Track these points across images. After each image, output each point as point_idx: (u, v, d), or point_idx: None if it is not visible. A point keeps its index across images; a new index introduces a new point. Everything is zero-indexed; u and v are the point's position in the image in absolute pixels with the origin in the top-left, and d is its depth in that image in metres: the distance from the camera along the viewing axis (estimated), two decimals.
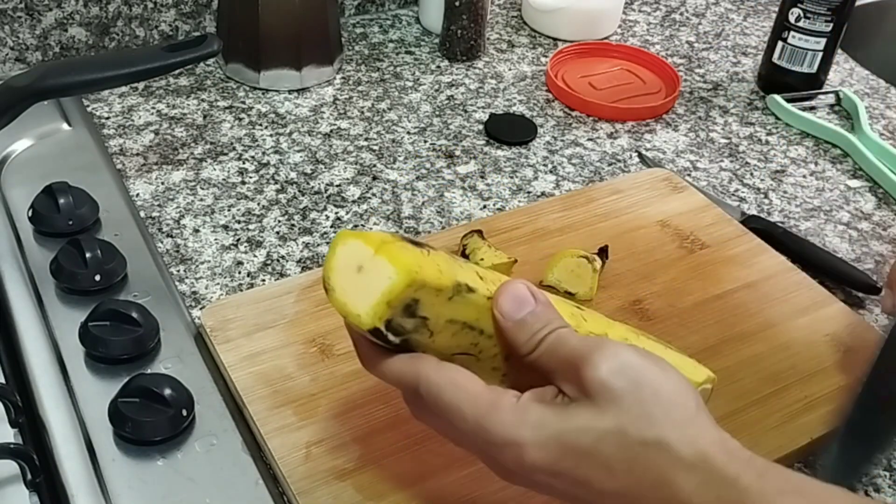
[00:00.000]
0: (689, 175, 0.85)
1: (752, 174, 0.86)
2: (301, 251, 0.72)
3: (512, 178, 0.82)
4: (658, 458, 0.40)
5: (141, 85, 0.89)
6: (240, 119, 0.86)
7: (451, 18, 0.96)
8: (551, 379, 0.44)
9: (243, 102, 0.88)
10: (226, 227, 0.73)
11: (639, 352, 0.43)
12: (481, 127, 0.88)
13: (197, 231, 0.73)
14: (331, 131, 0.86)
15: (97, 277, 0.63)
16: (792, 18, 0.93)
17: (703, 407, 0.42)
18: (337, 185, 0.79)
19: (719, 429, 0.42)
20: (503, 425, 0.42)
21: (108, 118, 0.84)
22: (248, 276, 0.69)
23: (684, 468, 0.40)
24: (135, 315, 0.59)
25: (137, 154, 0.80)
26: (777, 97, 0.95)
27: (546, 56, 1.01)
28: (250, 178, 0.79)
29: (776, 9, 0.97)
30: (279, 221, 0.74)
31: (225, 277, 0.69)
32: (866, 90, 1.01)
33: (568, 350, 0.43)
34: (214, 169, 0.79)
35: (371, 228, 0.74)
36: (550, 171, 0.83)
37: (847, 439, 0.55)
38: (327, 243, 0.73)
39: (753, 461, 0.41)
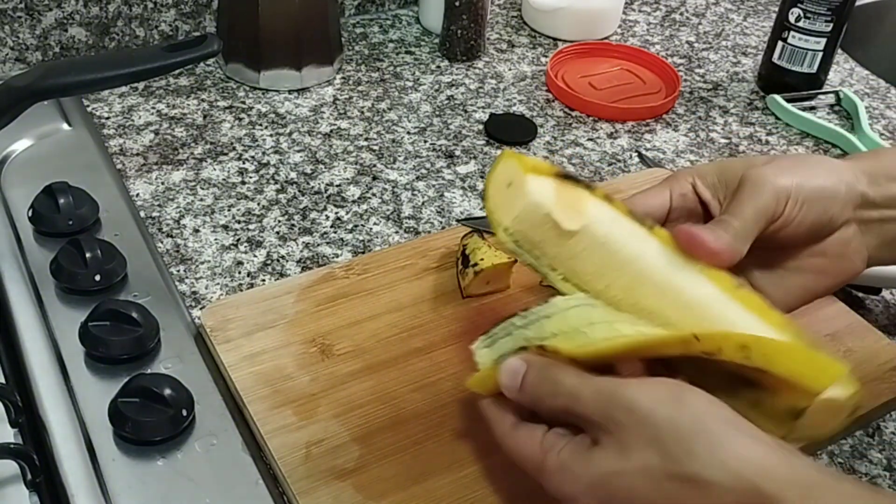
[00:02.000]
0: None
1: None
2: (301, 251, 0.72)
3: None
4: (691, 492, 0.40)
5: (141, 85, 0.89)
6: (240, 119, 0.86)
7: (451, 18, 0.96)
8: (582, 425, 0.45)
9: (243, 102, 0.89)
10: (226, 227, 0.73)
11: (652, 389, 0.43)
12: (481, 127, 0.88)
13: (197, 231, 0.73)
14: (331, 131, 0.86)
15: (97, 277, 0.63)
16: (792, 18, 0.93)
17: (736, 422, 0.42)
18: (337, 185, 0.79)
19: (759, 442, 0.41)
20: (554, 484, 0.45)
21: (108, 118, 0.84)
22: (248, 276, 0.69)
23: (720, 493, 0.40)
24: (135, 315, 0.59)
25: (137, 154, 0.80)
26: (777, 97, 0.95)
27: (546, 56, 1.01)
28: (250, 178, 0.79)
29: (776, 9, 0.97)
30: (279, 221, 0.74)
31: (225, 277, 0.69)
32: (866, 90, 1.01)
33: (583, 402, 0.45)
34: (214, 169, 0.79)
35: (371, 228, 0.75)
36: None
37: None
38: (327, 243, 0.73)
39: (796, 477, 0.40)
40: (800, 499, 0.39)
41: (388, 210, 0.77)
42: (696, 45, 1.07)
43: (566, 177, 0.50)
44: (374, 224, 0.75)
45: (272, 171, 0.80)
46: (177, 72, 0.90)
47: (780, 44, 0.95)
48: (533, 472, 0.46)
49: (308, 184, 0.79)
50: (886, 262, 0.55)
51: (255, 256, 0.71)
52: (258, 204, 0.76)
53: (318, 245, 0.73)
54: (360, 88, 0.92)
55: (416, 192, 0.79)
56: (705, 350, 0.43)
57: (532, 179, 0.48)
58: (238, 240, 0.72)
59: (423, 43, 1.01)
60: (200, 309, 0.65)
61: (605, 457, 0.43)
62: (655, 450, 0.41)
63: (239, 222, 0.74)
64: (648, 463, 0.41)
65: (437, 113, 0.90)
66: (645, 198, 0.53)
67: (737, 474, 0.40)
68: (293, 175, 0.80)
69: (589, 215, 0.49)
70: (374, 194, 0.78)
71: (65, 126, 0.81)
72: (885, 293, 0.73)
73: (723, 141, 0.90)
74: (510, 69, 0.98)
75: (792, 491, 0.39)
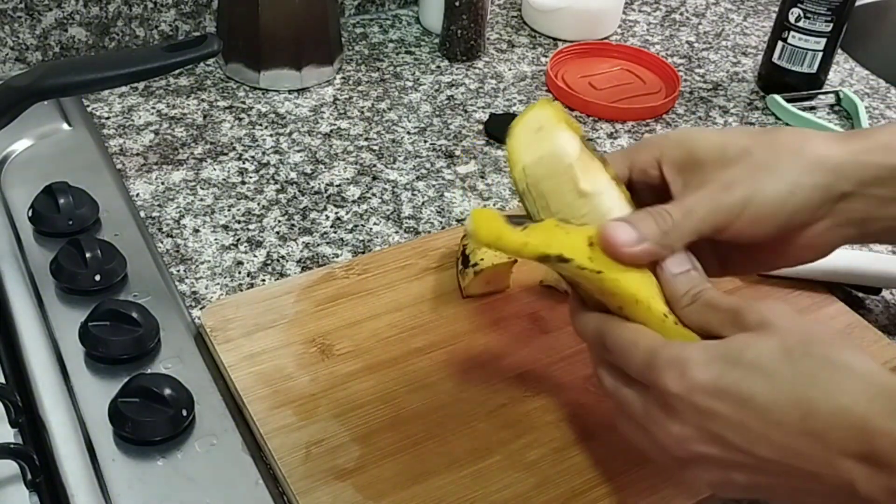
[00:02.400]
0: None
1: None
2: (301, 251, 0.72)
3: None
4: (825, 370, 0.39)
5: (141, 85, 0.89)
6: (240, 119, 0.86)
7: (451, 18, 0.96)
8: (706, 332, 0.45)
9: (243, 102, 0.89)
10: (226, 227, 0.73)
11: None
12: (481, 127, 0.88)
13: (197, 231, 0.73)
14: (331, 131, 0.86)
15: (97, 277, 0.63)
16: (792, 18, 0.93)
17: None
18: (337, 185, 0.79)
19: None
20: (671, 348, 0.43)
21: (108, 118, 0.84)
22: (248, 276, 0.69)
23: (857, 378, 0.39)
24: (135, 315, 0.59)
25: (137, 154, 0.80)
26: (777, 97, 0.95)
27: (546, 56, 1.01)
28: (250, 178, 0.79)
29: (776, 9, 0.97)
30: (279, 221, 0.74)
31: (225, 277, 0.69)
32: (866, 90, 1.01)
33: (726, 304, 0.44)
34: (214, 169, 0.79)
35: (371, 228, 0.75)
36: None
37: None
38: (327, 243, 0.73)
39: None
40: None
41: (388, 210, 0.77)
42: (696, 45, 1.07)
43: (589, 144, 0.50)
44: (374, 224, 0.75)
45: (272, 171, 0.80)
46: (177, 72, 0.90)
47: (780, 44, 0.95)
48: (653, 340, 0.44)
49: (308, 184, 0.79)
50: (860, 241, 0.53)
51: (255, 256, 0.71)
52: (258, 204, 0.76)
53: (318, 245, 0.73)
54: (360, 88, 0.92)
55: (416, 192, 0.79)
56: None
57: (564, 131, 0.49)
58: (238, 240, 0.72)
59: (423, 43, 1.01)
60: (200, 309, 0.65)
61: (741, 337, 0.42)
62: (798, 336, 0.41)
63: (239, 222, 0.74)
64: (786, 342, 0.40)
65: (437, 113, 0.90)
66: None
67: (878, 375, 0.39)
68: (293, 175, 0.80)
69: (599, 186, 0.49)
70: (374, 194, 0.78)
71: (65, 126, 0.81)
72: (885, 293, 0.73)
73: None
74: (510, 69, 0.98)
75: None
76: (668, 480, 0.54)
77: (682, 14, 1.13)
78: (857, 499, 0.39)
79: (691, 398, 0.42)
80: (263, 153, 0.82)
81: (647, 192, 0.51)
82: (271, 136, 0.84)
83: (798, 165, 0.48)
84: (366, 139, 0.85)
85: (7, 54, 0.88)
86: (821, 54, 0.94)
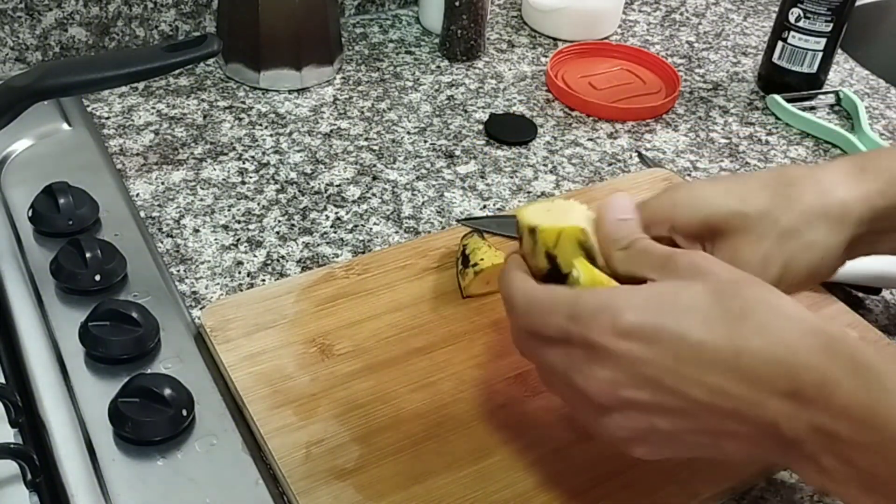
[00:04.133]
0: (689, 175, 0.85)
1: None
2: (301, 251, 0.72)
3: (512, 178, 0.82)
4: (757, 310, 0.39)
5: (141, 85, 0.89)
6: (240, 119, 0.86)
7: (451, 18, 0.96)
8: (635, 278, 0.44)
9: (243, 102, 0.89)
10: (226, 227, 0.73)
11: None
12: (481, 127, 0.88)
13: (197, 231, 0.73)
14: (331, 131, 0.86)
15: (97, 277, 0.63)
16: (792, 18, 0.93)
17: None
18: (337, 185, 0.79)
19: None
20: (595, 295, 0.42)
21: (108, 118, 0.84)
22: (248, 276, 0.69)
23: (787, 317, 0.39)
24: (135, 315, 0.59)
25: (137, 154, 0.80)
26: (777, 97, 0.95)
27: (546, 56, 1.01)
28: (250, 178, 0.79)
29: (776, 9, 0.97)
30: (279, 221, 0.74)
31: (225, 277, 0.69)
32: (866, 90, 1.01)
33: (659, 250, 0.44)
34: (214, 169, 0.79)
35: (371, 228, 0.75)
36: (550, 172, 0.83)
37: None
38: (327, 243, 0.73)
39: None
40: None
41: (388, 210, 0.77)
42: (696, 45, 1.07)
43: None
44: (374, 224, 0.75)
45: (272, 171, 0.80)
46: (177, 72, 0.90)
47: (780, 44, 0.95)
48: (572, 291, 0.44)
49: (308, 184, 0.79)
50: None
51: (255, 256, 0.71)
52: (258, 204, 0.76)
53: (318, 245, 0.73)
54: (360, 88, 0.92)
55: (416, 192, 0.79)
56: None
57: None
58: (238, 240, 0.72)
59: (423, 43, 1.01)
60: (200, 309, 0.65)
61: (671, 281, 0.41)
62: (728, 277, 0.40)
63: (239, 222, 0.74)
64: (718, 283, 0.40)
65: (437, 113, 0.90)
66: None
67: (810, 319, 0.39)
68: (293, 175, 0.80)
69: None
70: (374, 194, 0.78)
71: (65, 126, 0.81)
72: (885, 293, 0.73)
73: (723, 141, 0.90)
74: (510, 69, 0.98)
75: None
76: (667, 480, 0.54)
77: (682, 14, 1.13)
78: (779, 440, 0.39)
79: (624, 342, 0.40)
80: (263, 153, 0.82)
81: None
82: (271, 136, 0.84)
83: (825, 226, 0.48)
84: (366, 139, 0.85)
85: (7, 54, 0.88)
86: (821, 54, 0.94)
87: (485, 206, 0.78)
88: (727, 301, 0.40)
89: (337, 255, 0.72)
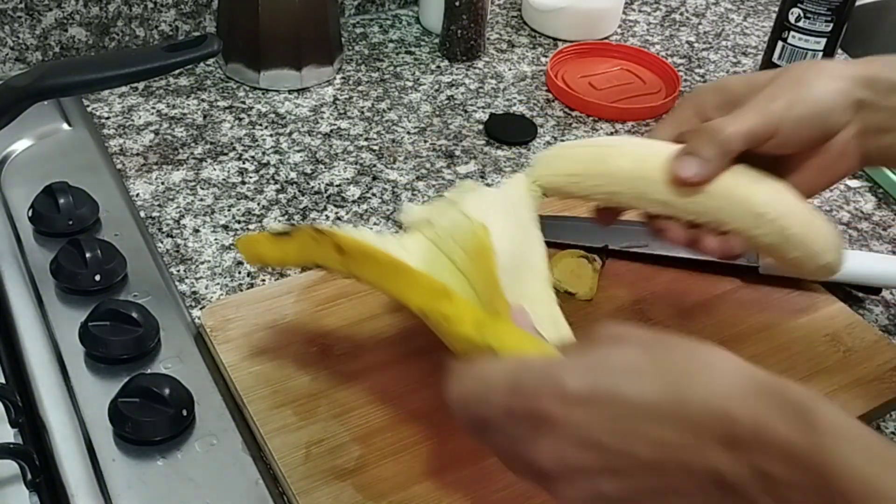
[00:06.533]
0: None
1: None
2: None
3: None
4: (688, 363, 0.40)
5: (141, 85, 0.89)
6: (240, 119, 0.86)
7: (451, 18, 0.96)
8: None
9: (243, 102, 0.89)
10: (226, 227, 0.73)
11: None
12: (481, 127, 0.88)
13: (197, 231, 0.73)
14: (331, 131, 0.86)
15: (97, 277, 0.63)
16: (792, 18, 0.93)
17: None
18: (337, 185, 0.79)
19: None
20: (533, 367, 0.42)
21: (108, 118, 0.84)
22: (248, 276, 0.69)
23: (715, 366, 0.39)
24: (135, 315, 0.59)
25: (137, 154, 0.80)
26: None
27: (546, 56, 1.01)
28: (250, 178, 0.79)
29: (776, 9, 0.97)
30: (279, 221, 0.74)
31: (225, 277, 0.69)
32: None
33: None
34: (214, 169, 0.79)
35: (371, 228, 0.75)
36: None
37: None
38: None
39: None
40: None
41: (388, 210, 0.77)
42: (696, 45, 1.07)
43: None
44: (374, 224, 0.75)
45: (272, 171, 0.80)
46: (177, 72, 0.90)
47: (780, 44, 0.95)
48: (507, 370, 0.43)
49: (308, 184, 0.79)
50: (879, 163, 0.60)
51: None
52: (258, 204, 0.76)
53: None
54: (360, 88, 0.92)
55: (416, 193, 0.79)
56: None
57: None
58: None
59: (423, 43, 1.01)
60: (200, 309, 0.65)
61: (598, 348, 0.42)
62: (650, 338, 0.41)
63: (239, 222, 0.74)
64: (643, 344, 0.41)
65: (437, 113, 0.90)
66: (656, 135, 0.58)
67: (744, 369, 0.40)
68: (293, 175, 0.80)
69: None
70: (374, 194, 0.78)
71: (65, 126, 0.81)
72: (885, 293, 0.73)
73: None
74: (510, 69, 0.98)
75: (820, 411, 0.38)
76: None
77: (682, 14, 1.13)
78: (724, 488, 0.39)
79: (567, 409, 0.41)
80: (263, 153, 0.82)
81: None
82: (271, 136, 0.84)
83: (823, 76, 0.54)
84: (366, 139, 0.85)
85: (7, 54, 0.88)
86: (821, 54, 0.94)
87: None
88: (658, 357, 0.41)
89: None
